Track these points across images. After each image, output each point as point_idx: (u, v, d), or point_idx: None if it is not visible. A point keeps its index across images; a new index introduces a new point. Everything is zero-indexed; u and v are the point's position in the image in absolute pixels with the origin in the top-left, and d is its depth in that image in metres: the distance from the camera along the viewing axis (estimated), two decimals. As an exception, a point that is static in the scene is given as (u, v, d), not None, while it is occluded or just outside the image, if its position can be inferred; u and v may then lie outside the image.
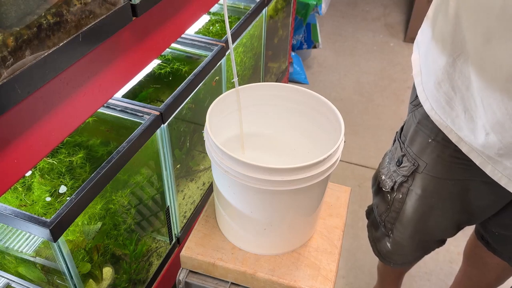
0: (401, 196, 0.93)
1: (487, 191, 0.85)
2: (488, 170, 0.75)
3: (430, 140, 0.84)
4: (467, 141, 0.76)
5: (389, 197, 0.97)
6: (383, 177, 0.97)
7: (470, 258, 1.18)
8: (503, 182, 0.74)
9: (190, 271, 0.80)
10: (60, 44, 0.55)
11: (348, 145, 1.96)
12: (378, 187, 1.02)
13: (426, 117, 0.82)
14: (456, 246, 1.56)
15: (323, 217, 0.86)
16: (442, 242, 1.05)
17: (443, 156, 0.83)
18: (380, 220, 1.04)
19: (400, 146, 0.91)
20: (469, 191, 0.86)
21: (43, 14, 0.53)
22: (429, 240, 1.02)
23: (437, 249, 1.21)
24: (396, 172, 0.92)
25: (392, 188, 0.94)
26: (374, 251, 1.12)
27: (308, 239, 0.82)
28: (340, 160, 0.70)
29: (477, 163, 0.76)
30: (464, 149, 0.77)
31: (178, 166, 1.14)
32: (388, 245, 1.05)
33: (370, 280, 1.46)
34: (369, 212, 1.13)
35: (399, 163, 0.91)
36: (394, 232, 1.01)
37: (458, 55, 0.71)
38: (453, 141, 0.78)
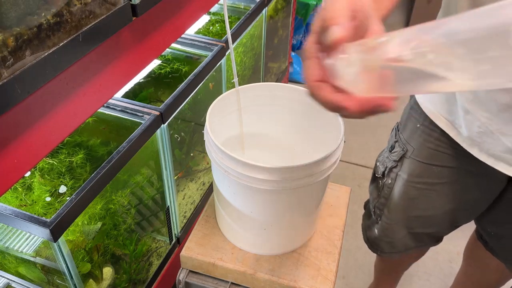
0: (390, 181, 0.95)
1: (473, 183, 0.87)
2: (475, 151, 0.78)
3: (418, 125, 0.87)
4: (455, 125, 0.80)
5: (380, 183, 0.99)
6: (377, 164, 1.00)
7: (470, 259, 1.18)
8: (490, 162, 0.77)
9: (190, 271, 0.80)
10: (60, 44, 0.55)
11: (348, 145, 1.96)
12: (373, 175, 1.03)
13: (416, 103, 0.87)
14: (456, 246, 1.56)
15: (323, 217, 0.86)
16: (437, 239, 1.05)
17: (429, 140, 0.86)
18: (371, 207, 1.05)
19: (395, 133, 0.95)
20: (456, 182, 0.88)
21: (43, 14, 0.53)
22: (419, 232, 1.01)
23: (437, 249, 1.20)
24: (388, 158, 0.95)
25: (383, 173, 0.97)
26: (364, 238, 1.13)
27: (308, 239, 0.82)
28: (340, 160, 0.70)
29: (464, 146, 0.79)
30: (451, 134, 0.81)
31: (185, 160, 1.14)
32: (376, 231, 1.05)
33: (370, 280, 1.46)
34: (366, 203, 1.14)
35: (391, 148, 0.95)
36: (382, 218, 1.01)
37: None
38: (440, 125, 0.82)
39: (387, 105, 0.39)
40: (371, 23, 0.42)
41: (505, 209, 0.90)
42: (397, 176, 0.93)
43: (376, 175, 0.99)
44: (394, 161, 0.93)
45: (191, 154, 1.26)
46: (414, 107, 0.88)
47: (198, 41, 1.17)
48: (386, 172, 0.96)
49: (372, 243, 1.09)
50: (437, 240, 1.05)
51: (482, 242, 1.05)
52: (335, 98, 0.39)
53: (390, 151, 0.94)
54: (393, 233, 1.02)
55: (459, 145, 0.81)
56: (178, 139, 1.10)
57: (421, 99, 0.84)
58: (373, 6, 0.45)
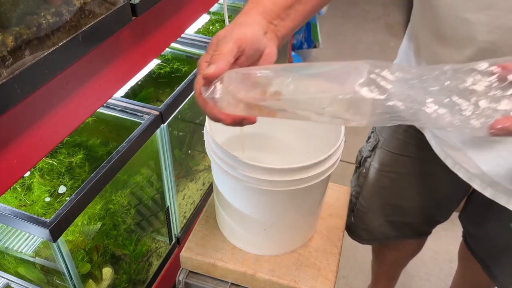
0: (364, 170, 0.98)
1: (442, 177, 0.88)
2: (433, 143, 0.80)
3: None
4: None
5: (357, 172, 1.01)
6: (357, 154, 1.02)
7: (462, 259, 1.19)
8: (442, 156, 0.78)
9: (190, 271, 0.80)
10: (60, 44, 0.55)
11: (348, 145, 1.95)
12: (355, 166, 1.05)
13: None
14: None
15: (323, 217, 0.86)
16: (419, 232, 1.04)
17: (398, 131, 0.89)
18: (350, 196, 1.05)
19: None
20: (426, 174, 0.90)
21: (42, 14, 0.53)
22: (396, 220, 1.01)
23: (437, 249, 1.20)
24: (365, 147, 0.98)
25: (360, 162, 0.99)
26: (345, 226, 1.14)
27: (308, 239, 0.82)
28: (340, 160, 0.70)
29: (427, 137, 0.81)
30: (416, 124, 0.82)
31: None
32: (352, 218, 1.06)
33: (370, 280, 1.46)
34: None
35: (368, 138, 0.97)
36: (357, 205, 1.03)
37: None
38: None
39: (250, 119, 0.51)
40: (265, 48, 0.55)
41: (476, 209, 0.91)
42: (370, 165, 0.96)
43: (356, 164, 1.02)
44: (368, 150, 0.96)
45: (190, 152, 1.26)
46: None
47: (198, 40, 1.17)
48: (362, 161, 0.98)
49: (351, 230, 1.10)
50: (419, 233, 1.05)
51: (465, 241, 1.05)
52: (215, 111, 0.51)
53: (367, 141, 0.97)
54: (368, 220, 1.03)
55: (425, 136, 0.83)
56: (176, 135, 1.10)
57: None
58: (271, 28, 0.57)
